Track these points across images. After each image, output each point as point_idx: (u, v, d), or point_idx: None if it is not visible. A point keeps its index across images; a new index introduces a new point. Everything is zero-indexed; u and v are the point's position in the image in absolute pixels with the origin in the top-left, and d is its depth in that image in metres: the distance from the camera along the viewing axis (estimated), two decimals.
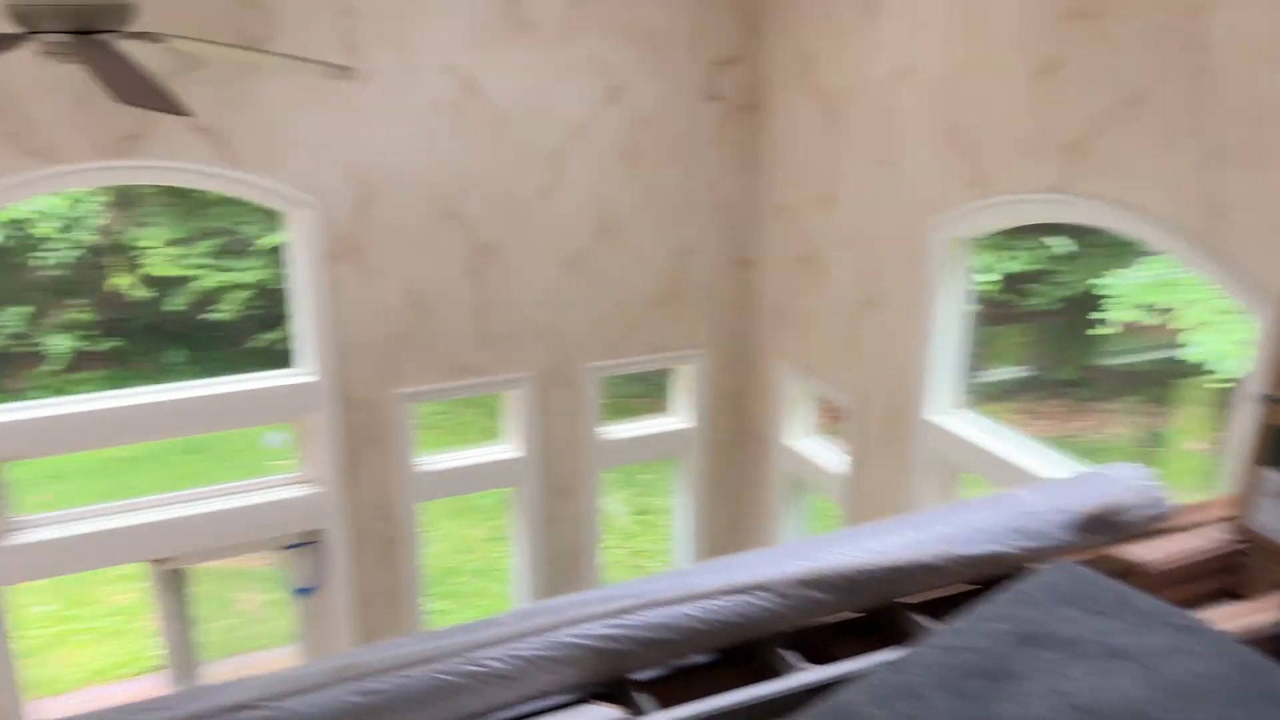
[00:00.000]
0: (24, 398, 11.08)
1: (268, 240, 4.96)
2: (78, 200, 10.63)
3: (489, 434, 6.22)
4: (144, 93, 2.49)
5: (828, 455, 5.97)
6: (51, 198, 10.41)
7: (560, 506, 6.22)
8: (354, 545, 5.75)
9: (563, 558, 6.33)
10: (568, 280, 5.85)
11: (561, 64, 5.49)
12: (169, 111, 2.60)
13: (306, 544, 5.73)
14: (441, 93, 5.28)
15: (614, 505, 10.24)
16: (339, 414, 5.48)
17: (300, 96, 4.99)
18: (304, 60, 3.75)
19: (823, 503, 6.27)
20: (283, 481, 5.68)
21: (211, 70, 4.75)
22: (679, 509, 6.81)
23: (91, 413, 5.07)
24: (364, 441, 5.61)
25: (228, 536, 5.48)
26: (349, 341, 5.42)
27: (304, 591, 5.83)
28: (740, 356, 6.46)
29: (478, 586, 9.02)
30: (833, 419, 6.07)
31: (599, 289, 5.94)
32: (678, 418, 6.57)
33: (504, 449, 6.10)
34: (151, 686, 5.68)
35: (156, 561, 5.41)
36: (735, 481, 6.70)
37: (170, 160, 4.87)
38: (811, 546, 1.96)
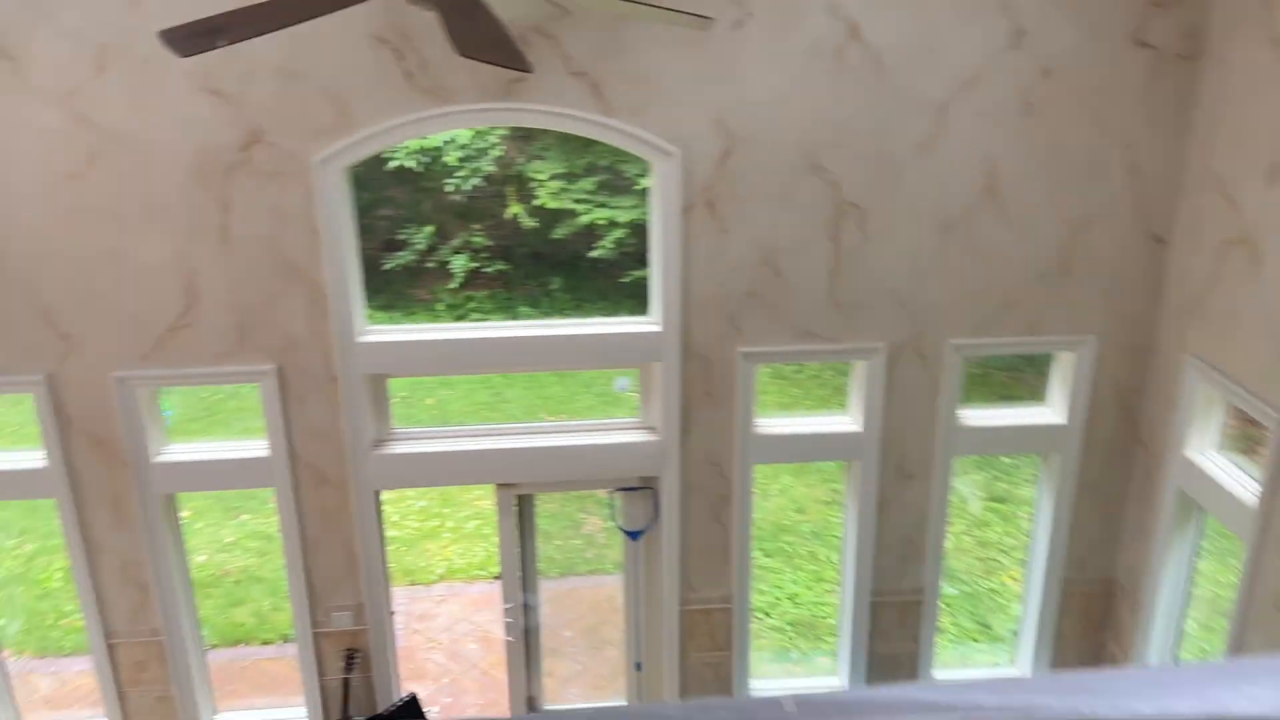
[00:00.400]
0: (428, 309, 12.37)
1: (646, 181, 4.99)
2: (481, 132, 11.52)
3: (839, 393, 5.88)
4: (490, 45, 2.40)
5: (1237, 479, 4.98)
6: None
7: (901, 488, 5.76)
8: (685, 496, 5.71)
9: (900, 540, 5.88)
10: (938, 246, 5.29)
11: (960, 3, 4.88)
12: (512, 67, 2.51)
13: (641, 489, 5.78)
14: (821, 37, 4.91)
15: (964, 487, 9.50)
16: (680, 366, 5.40)
17: (675, 43, 4.84)
18: (665, 9, 3.55)
19: (1223, 533, 5.28)
20: (625, 426, 5.73)
21: (590, 16, 4.73)
22: (1041, 508, 6.06)
23: (465, 340, 5.38)
24: (702, 396, 5.50)
25: (570, 471, 5.64)
26: (697, 294, 5.29)
27: (634, 534, 5.90)
28: (1139, 348, 5.55)
29: (809, 549, 8.78)
30: (1251, 435, 5.05)
31: (974, 258, 5.33)
32: (1052, 409, 5.80)
33: (846, 420, 5.73)
34: (494, 593, 6.10)
35: (504, 485, 5.71)
36: (1114, 490, 5.84)
37: (548, 104, 4.95)
38: (1202, 678, 1.44)
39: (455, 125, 5.19)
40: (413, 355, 5.37)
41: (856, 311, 5.39)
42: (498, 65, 2.64)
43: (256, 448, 5.44)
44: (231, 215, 4.97)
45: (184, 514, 8.76)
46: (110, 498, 5.37)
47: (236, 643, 7.68)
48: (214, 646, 7.55)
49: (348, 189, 5.11)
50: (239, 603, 8.10)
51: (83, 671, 5.67)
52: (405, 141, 5.25)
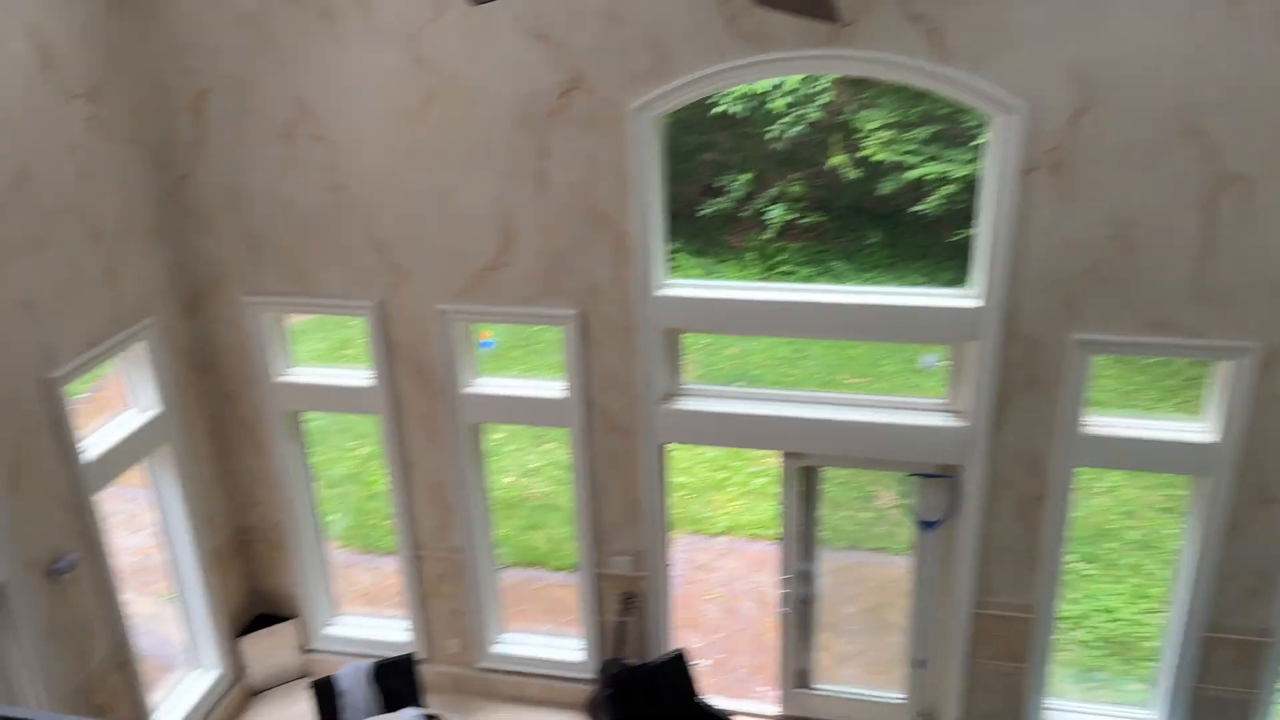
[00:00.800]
0: (739, 257, 12.28)
1: (986, 134, 4.49)
2: (810, 78, 11.08)
3: (1193, 384, 5.06)
4: None
5: None
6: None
7: (1259, 513, 4.88)
8: (990, 492, 5.19)
9: (1249, 571, 5.01)
10: None
11: None
12: (815, 17, 2.20)
13: (939, 477, 5.32)
14: None
15: None
16: (998, 347, 4.86)
17: None
18: None
19: None
20: (928, 407, 5.28)
21: None
22: None
23: (763, 303, 5.15)
24: (1022, 383, 4.92)
25: (862, 449, 5.29)
26: (1029, 268, 4.70)
27: (929, 525, 5.46)
28: None
29: (1134, 560, 7.82)
30: None
31: None
32: None
33: (1198, 428, 4.92)
34: (775, 554, 5.90)
35: (791, 455, 5.47)
36: None
37: (877, 51, 4.54)
38: None
39: (775, 73, 4.91)
40: (709, 313, 5.22)
41: (1226, 303, 4.55)
42: (799, 15, 2.34)
43: (555, 388, 5.58)
44: (548, 161, 5.03)
45: (497, 435, 9.34)
46: (425, 420, 5.74)
47: (531, 565, 8.09)
48: (509, 566, 8.00)
49: (659, 140, 5.00)
50: (536, 527, 8.52)
51: (397, 572, 6.15)
52: (723, 89, 5.04)
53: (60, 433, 4.77)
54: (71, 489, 4.87)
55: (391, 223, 5.34)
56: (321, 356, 9.14)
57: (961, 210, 10.91)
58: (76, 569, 4.86)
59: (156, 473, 5.69)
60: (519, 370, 9.93)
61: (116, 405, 5.54)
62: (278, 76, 5.16)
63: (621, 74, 4.82)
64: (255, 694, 6.38)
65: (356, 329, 5.59)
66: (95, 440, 5.17)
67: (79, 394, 6.27)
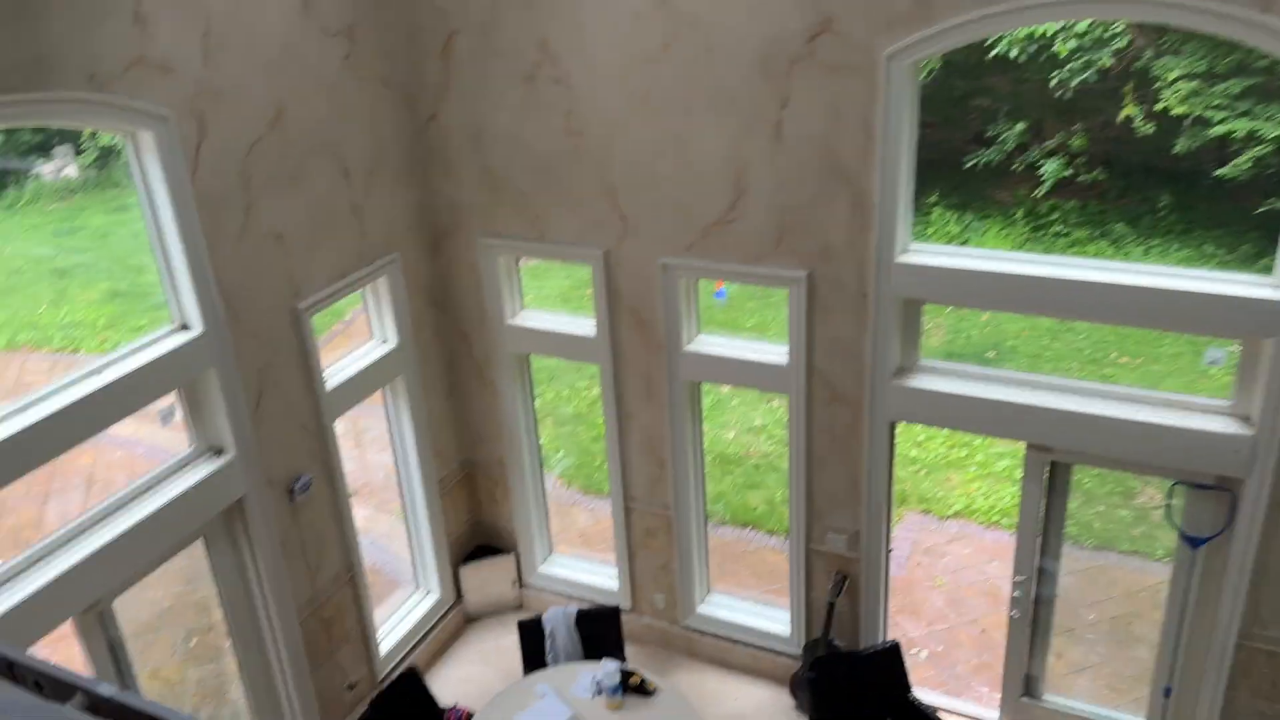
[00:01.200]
0: (1006, 214, 11.33)
1: None
2: (1103, 20, 9.90)
3: None
4: None
5: None
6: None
7: None
8: (1275, 511, 4.44)
9: None
10: None
11: None
12: None
13: (1213, 488, 4.62)
14: None
15: None
16: None
17: None
18: None
19: None
20: (1208, 408, 4.57)
21: None
22: None
23: (1020, 277, 4.60)
24: None
25: (1121, 448, 4.67)
26: None
27: (1195, 541, 4.78)
28: None
29: None
30: None
31: None
32: None
33: None
34: (1009, 544, 5.38)
35: (1036, 448, 4.92)
36: None
37: None
38: None
39: (1055, 17, 4.31)
40: (956, 284, 4.73)
41: None
42: None
43: (777, 352, 5.30)
44: (788, 110, 4.70)
45: (724, 389, 9.17)
46: (643, 374, 5.64)
47: (746, 525, 7.91)
48: (724, 523, 7.86)
49: (914, 91, 4.54)
50: (755, 486, 8.32)
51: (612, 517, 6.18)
52: (995, 33, 4.49)
53: (305, 359, 5.05)
54: (312, 413, 5.16)
55: (623, 171, 5.21)
56: (564, 293, 9.30)
57: (1273, 176, 9.49)
58: (312, 489, 5.18)
59: (393, 402, 5.96)
60: (752, 323, 9.67)
61: (361, 337, 5.82)
62: (522, 18, 5.11)
63: (877, 17, 4.39)
64: (471, 620, 6.65)
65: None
66: (337, 368, 5.45)
67: (343, 318, 6.62)
